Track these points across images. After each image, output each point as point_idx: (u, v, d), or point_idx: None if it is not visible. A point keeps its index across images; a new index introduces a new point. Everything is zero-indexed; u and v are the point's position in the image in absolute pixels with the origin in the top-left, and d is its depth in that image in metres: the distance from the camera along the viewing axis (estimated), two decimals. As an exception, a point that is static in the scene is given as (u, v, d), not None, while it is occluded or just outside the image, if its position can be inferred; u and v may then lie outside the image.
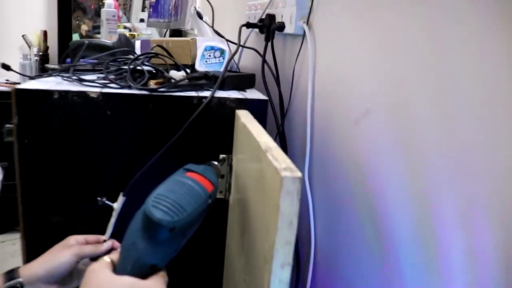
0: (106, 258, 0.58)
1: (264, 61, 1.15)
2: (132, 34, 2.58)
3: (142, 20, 3.83)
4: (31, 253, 0.88)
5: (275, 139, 0.88)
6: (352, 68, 0.83)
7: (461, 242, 0.55)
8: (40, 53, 2.84)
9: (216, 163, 0.78)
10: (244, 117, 0.77)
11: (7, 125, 0.89)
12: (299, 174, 0.47)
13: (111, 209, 0.83)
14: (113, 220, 0.82)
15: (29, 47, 2.85)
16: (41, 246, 0.87)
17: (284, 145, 1.10)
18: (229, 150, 0.86)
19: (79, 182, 0.86)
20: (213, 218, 0.90)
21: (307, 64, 1.01)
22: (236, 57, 1.37)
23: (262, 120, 0.81)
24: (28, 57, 2.76)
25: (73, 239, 0.77)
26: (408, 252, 0.66)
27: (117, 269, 0.57)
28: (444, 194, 0.58)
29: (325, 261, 0.95)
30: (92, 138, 0.83)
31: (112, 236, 0.82)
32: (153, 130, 0.85)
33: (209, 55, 1.03)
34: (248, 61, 1.40)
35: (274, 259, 0.50)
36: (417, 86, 0.63)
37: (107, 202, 0.84)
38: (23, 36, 2.89)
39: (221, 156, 0.84)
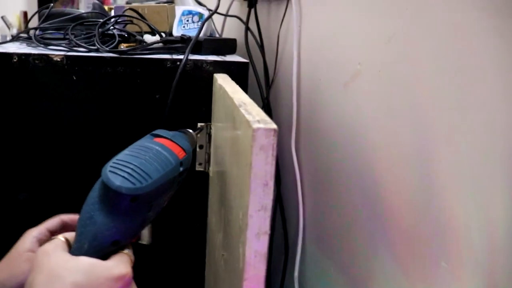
0: (60, 237, 0.49)
1: (247, 28, 1.08)
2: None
3: (128, 3, 3.73)
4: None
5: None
6: (339, 29, 0.77)
7: (464, 207, 0.49)
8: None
9: (190, 131, 0.69)
10: (221, 79, 0.71)
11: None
12: (273, 126, 0.40)
13: None
14: None
15: (9, 28, 2.75)
16: (10, 225, 0.81)
17: (270, 117, 1.03)
18: (207, 118, 0.79)
19: (45, 155, 0.79)
20: (193, 193, 0.84)
21: (292, 29, 0.94)
22: (218, 27, 1.29)
23: (243, 85, 0.74)
24: (8, 38, 2.67)
25: (31, 239, 0.58)
26: (403, 221, 0.60)
27: (73, 248, 0.48)
28: (443, 156, 0.52)
29: (314, 238, 0.90)
30: (57, 106, 0.76)
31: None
32: (124, 96, 0.78)
33: (187, 20, 0.95)
34: (231, 32, 1.33)
35: (248, 228, 0.43)
36: (410, 41, 0.57)
37: None
38: (2, 17, 2.78)
39: (199, 124, 0.78)
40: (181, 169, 0.55)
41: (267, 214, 0.43)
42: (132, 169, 0.47)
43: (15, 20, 2.82)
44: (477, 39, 0.46)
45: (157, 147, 0.53)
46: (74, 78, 0.75)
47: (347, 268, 0.76)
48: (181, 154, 0.56)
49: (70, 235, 0.49)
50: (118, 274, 0.46)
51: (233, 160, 0.54)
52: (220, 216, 0.64)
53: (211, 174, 0.79)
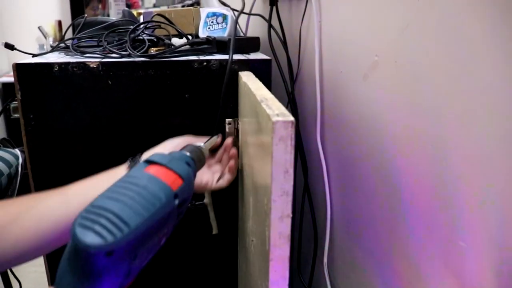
0: None
1: (270, 25, 1.12)
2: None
3: (155, 6, 3.84)
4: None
5: (286, 107, 0.86)
6: (357, 21, 0.79)
7: (480, 195, 0.51)
8: (56, 43, 2.87)
9: (200, 145, 0.61)
10: (246, 76, 0.75)
11: (13, 102, 0.89)
12: (291, 118, 0.44)
13: None
14: None
15: (45, 37, 2.87)
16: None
17: (295, 111, 1.07)
18: (235, 114, 0.83)
19: (87, 155, 0.85)
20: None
21: (312, 24, 0.97)
22: (243, 25, 1.34)
23: (266, 80, 0.78)
24: (45, 47, 2.80)
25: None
26: (423, 205, 0.63)
27: None
28: (459, 145, 0.54)
29: (341, 225, 0.93)
30: (95, 109, 0.83)
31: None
32: (156, 97, 0.83)
33: (212, 21, 1.00)
34: (255, 29, 1.37)
35: (272, 212, 0.47)
36: (423, 30, 0.60)
37: (196, 203, 0.87)
38: (39, 27, 2.92)
39: (227, 120, 0.82)
40: (176, 202, 0.48)
41: (289, 199, 0.47)
42: (106, 218, 0.41)
43: (50, 29, 2.95)
44: (490, 27, 0.48)
45: (145, 181, 0.46)
46: (109, 82, 0.81)
47: (373, 253, 0.79)
48: (176, 184, 0.49)
49: None
50: None
51: (258, 151, 0.58)
52: (250, 204, 0.69)
53: (240, 166, 0.83)
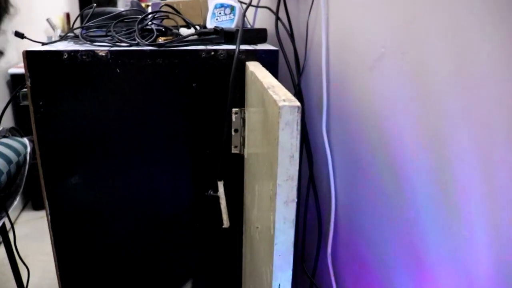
0: None
1: (277, 18, 1.12)
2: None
3: (163, -2, 3.84)
4: (54, 215, 0.90)
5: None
6: (364, 13, 0.80)
7: (482, 187, 0.52)
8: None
9: None
10: (253, 66, 0.75)
11: (23, 90, 0.90)
12: (297, 103, 0.45)
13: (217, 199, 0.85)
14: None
15: (53, 29, 2.89)
16: (64, 207, 0.89)
17: (301, 102, 1.07)
18: (241, 103, 0.84)
19: (94, 142, 0.86)
20: (230, 175, 0.89)
21: (320, 16, 0.97)
22: (250, 18, 1.34)
23: (273, 70, 0.79)
24: (53, 39, 2.81)
25: None
26: (427, 203, 0.63)
27: None
28: (461, 137, 0.54)
29: (345, 216, 0.94)
30: (103, 97, 0.83)
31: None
32: (164, 86, 0.84)
33: (220, 13, 1.01)
34: (263, 21, 1.37)
35: (277, 196, 0.48)
36: (429, 23, 0.60)
37: (212, 193, 0.87)
38: (47, 19, 2.93)
39: (234, 110, 0.83)
40: None
41: (294, 184, 0.47)
42: None
43: (58, 21, 2.96)
44: (499, 19, 0.48)
45: None
46: (118, 70, 0.82)
47: (375, 244, 0.80)
48: None
49: None
50: None
51: (264, 138, 0.59)
52: (255, 192, 0.69)
53: (246, 156, 0.84)
